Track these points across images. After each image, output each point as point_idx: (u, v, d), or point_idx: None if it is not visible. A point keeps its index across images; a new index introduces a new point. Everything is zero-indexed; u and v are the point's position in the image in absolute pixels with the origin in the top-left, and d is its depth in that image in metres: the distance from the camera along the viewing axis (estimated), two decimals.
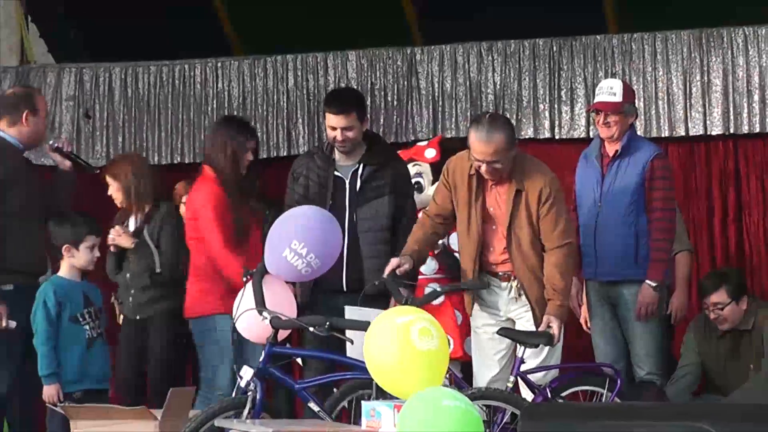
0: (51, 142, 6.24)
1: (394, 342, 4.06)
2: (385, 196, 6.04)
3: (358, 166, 6.06)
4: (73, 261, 5.91)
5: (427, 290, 6.35)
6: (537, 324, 5.54)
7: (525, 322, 5.62)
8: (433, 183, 7.07)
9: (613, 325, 6.27)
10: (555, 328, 5.37)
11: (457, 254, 6.40)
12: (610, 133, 6.17)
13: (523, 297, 5.62)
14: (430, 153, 7.22)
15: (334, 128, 5.94)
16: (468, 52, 8.05)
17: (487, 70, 8.01)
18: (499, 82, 7.99)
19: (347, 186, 6.03)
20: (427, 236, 5.74)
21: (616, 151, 6.20)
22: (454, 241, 6.70)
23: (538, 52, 7.96)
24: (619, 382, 5.53)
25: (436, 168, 6.76)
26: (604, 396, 5.49)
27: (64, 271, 5.94)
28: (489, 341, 5.64)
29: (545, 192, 5.49)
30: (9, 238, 5.84)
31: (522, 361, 5.38)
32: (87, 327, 5.88)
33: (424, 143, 7.49)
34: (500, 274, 5.67)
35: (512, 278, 5.63)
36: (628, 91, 6.29)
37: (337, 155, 6.07)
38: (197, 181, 6.10)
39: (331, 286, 5.88)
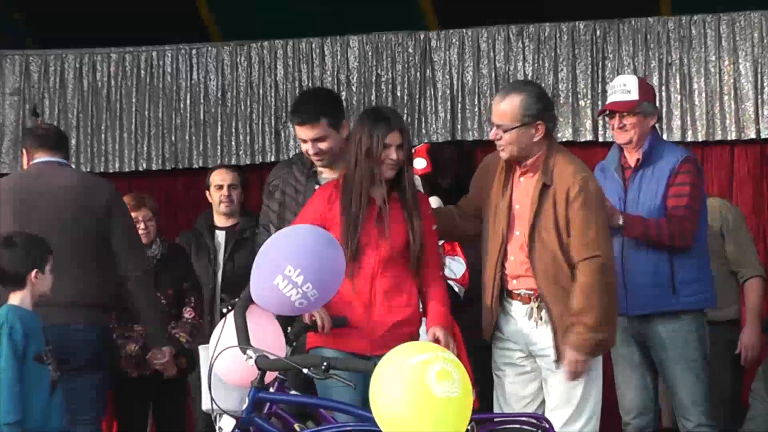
0: None
1: (405, 386, 3.93)
2: None
3: None
4: (40, 287, 5.52)
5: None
6: (558, 352, 5.20)
7: (549, 361, 5.23)
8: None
9: (642, 369, 5.96)
10: (571, 362, 5.08)
11: (451, 282, 6.37)
12: (628, 137, 5.94)
13: (544, 323, 5.26)
14: (420, 163, 6.91)
15: (304, 141, 5.72)
16: (493, 38, 7.89)
17: (516, 59, 7.86)
18: (531, 74, 7.80)
19: None
20: (444, 212, 5.68)
21: (638, 159, 5.96)
22: (452, 268, 6.58)
23: (578, 37, 7.80)
24: None
25: (428, 179, 6.68)
26: None
27: (20, 299, 5.52)
28: (510, 385, 5.29)
29: (574, 189, 5.20)
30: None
31: None
32: (50, 368, 5.50)
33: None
34: (519, 293, 5.34)
35: (532, 298, 5.32)
36: (646, 88, 6.06)
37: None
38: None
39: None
